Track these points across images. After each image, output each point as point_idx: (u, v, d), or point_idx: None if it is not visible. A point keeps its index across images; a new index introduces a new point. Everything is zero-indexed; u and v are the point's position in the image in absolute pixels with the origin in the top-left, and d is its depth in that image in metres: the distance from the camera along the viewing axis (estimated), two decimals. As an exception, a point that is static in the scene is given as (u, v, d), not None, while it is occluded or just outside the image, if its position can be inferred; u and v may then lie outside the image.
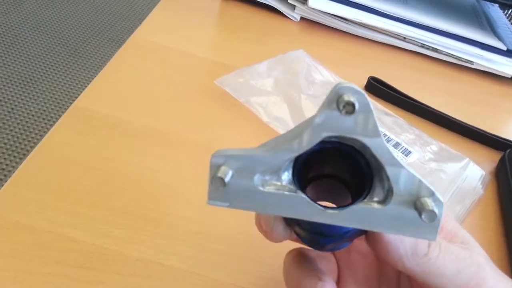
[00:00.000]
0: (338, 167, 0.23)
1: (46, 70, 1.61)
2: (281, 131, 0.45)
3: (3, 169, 1.24)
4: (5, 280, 0.30)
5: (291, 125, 0.45)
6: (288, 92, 0.48)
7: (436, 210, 0.18)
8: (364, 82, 0.55)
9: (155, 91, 0.48)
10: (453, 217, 0.41)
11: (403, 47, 0.63)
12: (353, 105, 0.17)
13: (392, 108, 0.52)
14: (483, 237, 0.42)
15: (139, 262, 0.33)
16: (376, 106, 0.51)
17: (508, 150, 0.48)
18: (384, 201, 0.19)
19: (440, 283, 0.23)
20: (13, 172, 1.17)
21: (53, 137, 0.40)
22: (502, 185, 0.45)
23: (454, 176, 0.44)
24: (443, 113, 0.51)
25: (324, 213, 0.19)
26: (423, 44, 0.62)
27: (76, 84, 1.57)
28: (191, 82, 0.51)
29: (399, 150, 0.44)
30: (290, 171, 0.20)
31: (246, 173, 0.19)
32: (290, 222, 0.24)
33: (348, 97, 0.17)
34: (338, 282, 0.29)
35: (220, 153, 0.20)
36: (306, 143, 0.19)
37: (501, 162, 0.47)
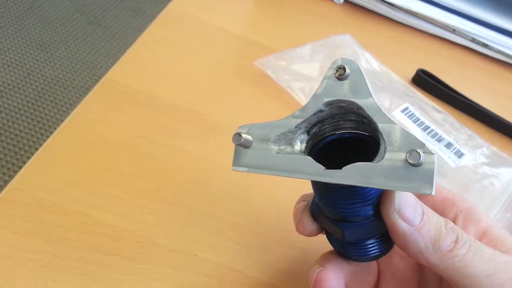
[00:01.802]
0: (352, 154, 0.23)
1: (65, 37, 1.57)
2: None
3: (17, 134, 1.22)
4: (30, 262, 0.28)
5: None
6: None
7: (424, 159, 0.18)
8: (412, 74, 0.51)
9: (190, 68, 0.45)
10: (502, 225, 0.38)
11: (452, 40, 0.59)
12: (344, 68, 0.21)
13: (440, 104, 0.48)
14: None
15: (173, 252, 0.31)
16: (424, 100, 0.47)
17: None
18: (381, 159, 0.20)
19: (469, 283, 0.22)
20: (26, 139, 1.15)
21: (83, 112, 0.37)
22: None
23: (507, 183, 0.41)
24: (496, 115, 0.48)
25: (326, 171, 0.21)
26: (473, 38, 0.58)
27: (94, 53, 1.53)
28: (227, 61, 0.48)
29: (451, 151, 0.41)
30: (303, 144, 0.23)
31: (263, 139, 0.22)
32: (316, 216, 0.25)
33: (340, 62, 0.21)
34: (378, 283, 0.28)
35: (243, 125, 0.23)
36: (309, 109, 0.22)
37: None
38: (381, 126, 0.20)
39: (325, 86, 0.22)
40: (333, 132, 0.23)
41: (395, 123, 0.20)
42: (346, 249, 0.25)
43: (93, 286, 0.28)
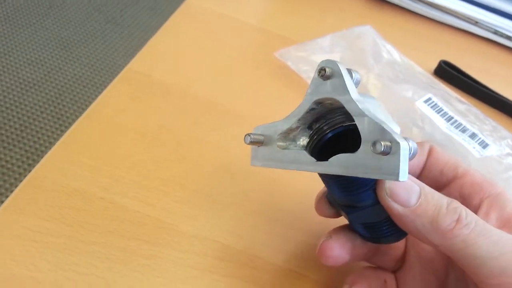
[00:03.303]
0: (354, 145, 0.24)
1: (84, 36, 1.59)
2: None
3: (37, 131, 1.24)
4: (53, 246, 0.28)
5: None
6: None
7: (389, 149, 0.20)
8: (434, 66, 0.51)
9: (210, 60, 0.45)
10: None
11: (474, 32, 0.58)
12: (325, 69, 0.23)
13: (463, 96, 0.48)
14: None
15: (195, 238, 0.31)
16: (447, 91, 0.46)
17: None
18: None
19: (473, 264, 0.21)
20: (46, 136, 1.16)
21: (105, 100, 0.38)
22: None
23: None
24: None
25: (316, 163, 0.23)
26: (496, 30, 0.57)
27: (113, 52, 1.55)
28: (248, 53, 0.48)
29: (476, 141, 0.40)
30: (306, 140, 0.26)
31: (272, 137, 0.25)
32: (331, 202, 0.27)
33: (322, 64, 0.23)
34: (404, 267, 0.28)
35: (257, 126, 0.26)
36: (303, 108, 0.24)
37: None
38: (355, 118, 0.22)
39: (314, 85, 0.24)
40: (330, 129, 0.25)
41: (366, 115, 0.21)
42: (360, 232, 0.26)
43: (117, 270, 0.28)
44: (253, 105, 0.41)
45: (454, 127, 0.41)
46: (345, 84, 0.22)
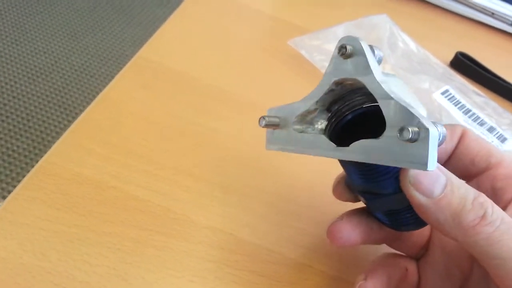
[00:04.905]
0: (376, 128, 0.23)
1: (91, 25, 1.59)
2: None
3: (44, 121, 1.23)
4: (64, 235, 0.27)
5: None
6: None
7: (417, 135, 0.18)
8: (449, 57, 0.49)
9: (222, 47, 0.44)
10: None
11: (490, 24, 0.57)
12: (345, 47, 0.21)
13: (480, 89, 0.46)
14: None
15: (207, 230, 0.30)
16: (464, 84, 0.45)
17: None
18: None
19: (494, 264, 0.20)
20: (53, 125, 1.16)
21: (116, 88, 0.37)
22: None
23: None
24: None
25: (336, 148, 0.22)
26: (513, 22, 0.56)
27: (120, 42, 1.54)
28: (260, 41, 0.47)
29: (494, 135, 0.39)
30: (324, 123, 0.24)
31: (287, 120, 0.24)
32: (349, 187, 0.26)
33: (343, 41, 0.21)
34: (426, 255, 0.27)
35: (271, 108, 0.25)
36: (321, 89, 0.23)
37: None
38: (380, 101, 0.20)
39: (333, 65, 0.22)
40: (350, 111, 0.24)
41: (392, 98, 0.20)
42: (379, 218, 0.25)
43: (129, 261, 0.27)
44: (265, 93, 0.40)
45: (472, 120, 0.40)
46: (368, 63, 0.21)
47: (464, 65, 0.48)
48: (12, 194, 0.29)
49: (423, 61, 0.46)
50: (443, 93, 0.42)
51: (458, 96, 0.42)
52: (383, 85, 0.20)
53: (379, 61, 0.22)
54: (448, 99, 0.41)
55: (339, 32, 0.47)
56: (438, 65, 0.47)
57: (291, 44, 0.45)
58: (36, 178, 0.30)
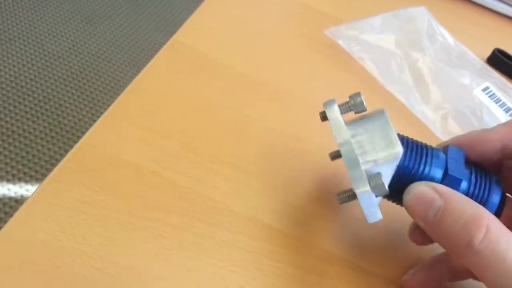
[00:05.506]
0: None
1: (109, 11, 1.58)
2: (402, 98, 0.39)
3: (60, 104, 1.23)
4: (105, 219, 0.27)
5: (415, 94, 0.40)
6: (409, 52, 0.42)
7: (350, 198, 0.24)
8: (486, 54, 0.48)
9: (257, 36, 0.43)
10: None
11: (528, 20, 0.56)
12: (323, 112, 0.26)
13: (519, 87, 0.45)
14: None
15: (248, 220, 0.29)
16: (502, 81, 0.44)
17: None
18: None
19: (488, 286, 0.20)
20: (70, 109, 1.16)
21: (152, 72, 0.36)
22: None
23: None
24: None
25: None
26: (552, 19, 0.55)
27: (137, 29, 1.53)
28: (293, 30, 0.46)
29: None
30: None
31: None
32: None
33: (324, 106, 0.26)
34: None
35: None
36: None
37: None
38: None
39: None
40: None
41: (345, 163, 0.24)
42: None
43: (170, 247, 0.27)
44: (302, 83, 0.40)
45: (514, 118, 0.39)
46: (332, 130, 0.24)
47: (502, 62, 0.47)
48: (50, 176, 0.28)
49: (461, 56, 0.45)
50: (483, 90, 0.41)
51: (498, 94, 0.41)
52: (341, 149, 0.24)
53: (357, 107, 0.25)
54: (489, 96, 0.40)
55: (376, 23, 0.46)
56: (476, 60, 0.46)
57: (327, 34, 0.44)
58: (75, 159, 0.29)
